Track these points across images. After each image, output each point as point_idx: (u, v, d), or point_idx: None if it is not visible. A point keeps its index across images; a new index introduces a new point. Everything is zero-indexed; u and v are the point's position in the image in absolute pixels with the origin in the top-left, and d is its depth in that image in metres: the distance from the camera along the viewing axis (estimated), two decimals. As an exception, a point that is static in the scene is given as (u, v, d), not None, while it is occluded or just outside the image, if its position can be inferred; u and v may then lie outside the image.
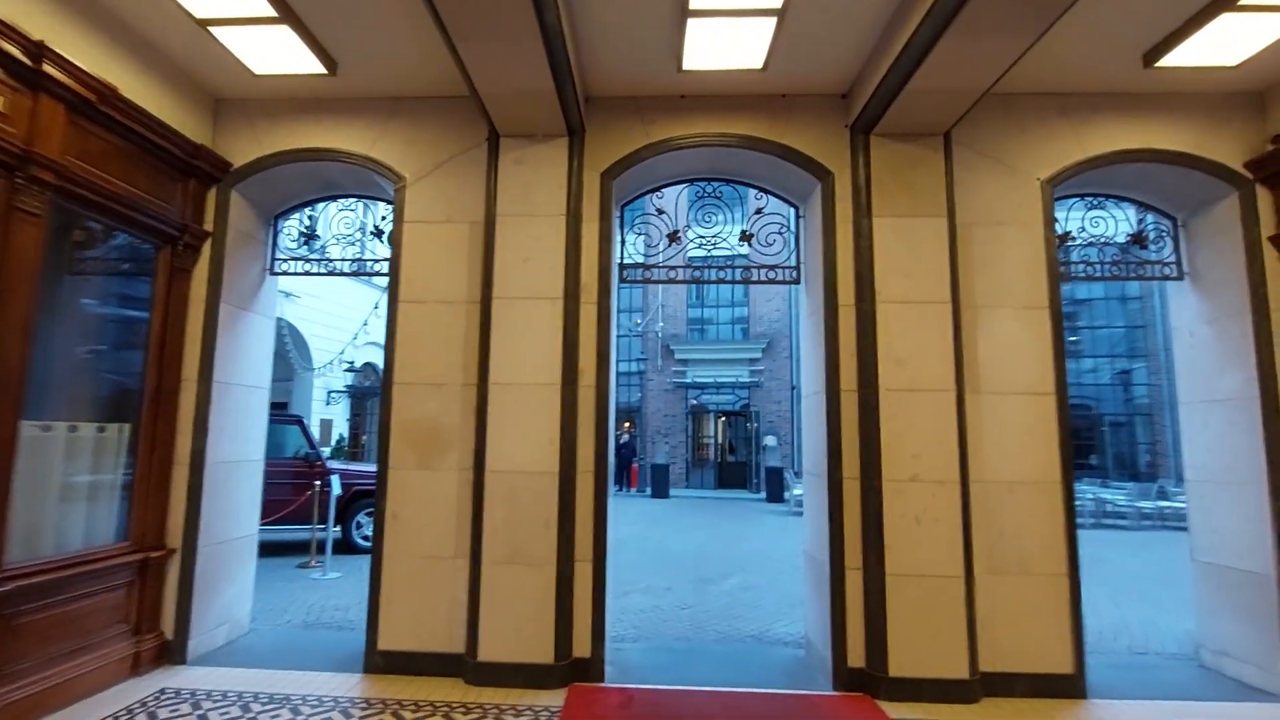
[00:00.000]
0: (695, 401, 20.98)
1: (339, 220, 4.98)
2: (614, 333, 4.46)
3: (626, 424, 22.06)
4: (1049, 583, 4.05)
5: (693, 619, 5.60)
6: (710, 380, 20.58)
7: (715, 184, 4.89)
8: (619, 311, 22.22)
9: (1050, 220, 4.37)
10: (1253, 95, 4.54)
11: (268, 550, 8.26)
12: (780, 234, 4.84)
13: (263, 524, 5.08)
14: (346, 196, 5.03)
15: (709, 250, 4.82)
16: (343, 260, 4.81)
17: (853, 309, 4.22)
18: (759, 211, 4.79)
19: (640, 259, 4.84)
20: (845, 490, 4.09)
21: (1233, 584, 4.44)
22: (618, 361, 22.17)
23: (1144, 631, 5.44)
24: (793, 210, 4.87)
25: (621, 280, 4.76)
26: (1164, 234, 4.93)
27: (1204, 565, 4.69)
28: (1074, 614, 4.02)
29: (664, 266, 4.77)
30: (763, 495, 18.49)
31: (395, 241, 4.40)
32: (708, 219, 4.91)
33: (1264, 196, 4.46)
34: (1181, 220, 4.92)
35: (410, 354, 4.28)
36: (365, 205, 5.19)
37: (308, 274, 4.92)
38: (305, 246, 5.02)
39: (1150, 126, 4.49)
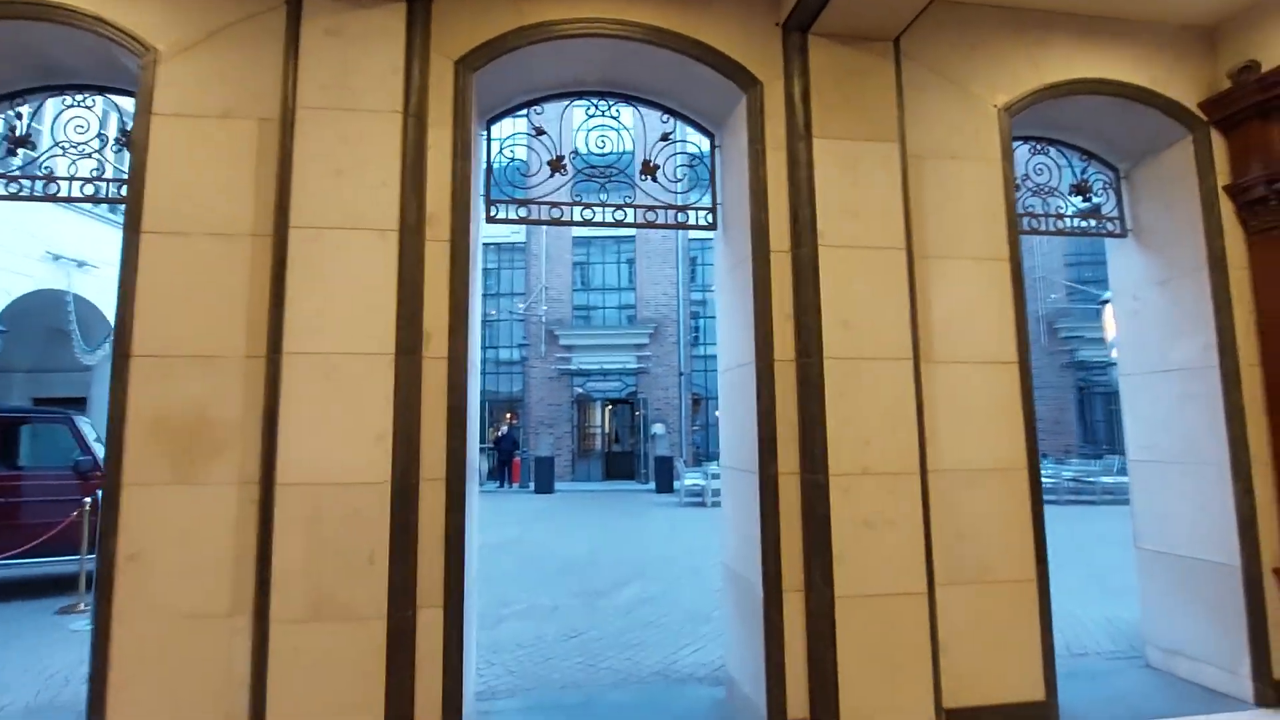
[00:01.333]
0: (581, 389, 19.90)
1: (69, 124, 3.39)
2: (477, 284, 3.27)
3: (509, 414, 20.59)
4: (1015, 592, 3.34)
5: (584, 651, 4.52)
6: (596, 367, 19.56)
7: (610, 101, 3.77)
8: (499, 294, 20.64)
9: (1009, 155, 3.67)
10: (1205, 30, 4.07)
11: (20, 591, 6.27)
12: (692, 168, 3.82)
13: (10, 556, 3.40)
14: (79, 89, 3.46)
15: (602, 186, 3.70)
16: (70, 180, 3.25)
17: (788, 256, 3.29)
18: (665, 138, 3.74)
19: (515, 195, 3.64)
20: (782, 489, 3.16)
21: (1188, 575, 3.97)
22: (499, 347, 20.73)
23: (1073, 626, 5.00)
24: (708, 139, 3.86)
25: (489, 216, 3.56)
26: (1107, 186, 4.42)
27: (1151, 554, 4.22)
28: (1044, 627, 3.34)
29: (544, 202, 3.61)
30: (652, 486, 17.78)
31: (138, 143, 2.94)
32: (601, 146, 3.78)
33: (1218, 142, 4.01)
34: (1124, 171, 4.43)
35: (161, 312, 2.85)
36: (111, 107, 3.63)
37: (13, 197, 3.32)
38: (11, 156, 3.40)
39: (1108, 56, 3.91)
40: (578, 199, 3.61)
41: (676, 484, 17.08)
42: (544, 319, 19.63)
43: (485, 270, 20.71)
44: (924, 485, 3.20)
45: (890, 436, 3.18)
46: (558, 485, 17.92)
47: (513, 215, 3.54)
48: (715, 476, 14.75)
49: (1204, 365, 3.93)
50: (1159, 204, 4.23)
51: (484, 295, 21.28)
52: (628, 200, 3.65)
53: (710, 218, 3.80)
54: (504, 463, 18.18)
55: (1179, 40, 4.04)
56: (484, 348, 20.63)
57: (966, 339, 3.45)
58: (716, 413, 21.31)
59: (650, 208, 3.67)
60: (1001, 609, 3.31)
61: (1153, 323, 4.25)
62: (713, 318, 20.86)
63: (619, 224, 3.66)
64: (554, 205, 3.58)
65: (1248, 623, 3.68)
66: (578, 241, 20.32)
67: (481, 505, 13.96)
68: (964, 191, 3.55)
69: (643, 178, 3.68)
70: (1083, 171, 4.40)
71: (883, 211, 3.31)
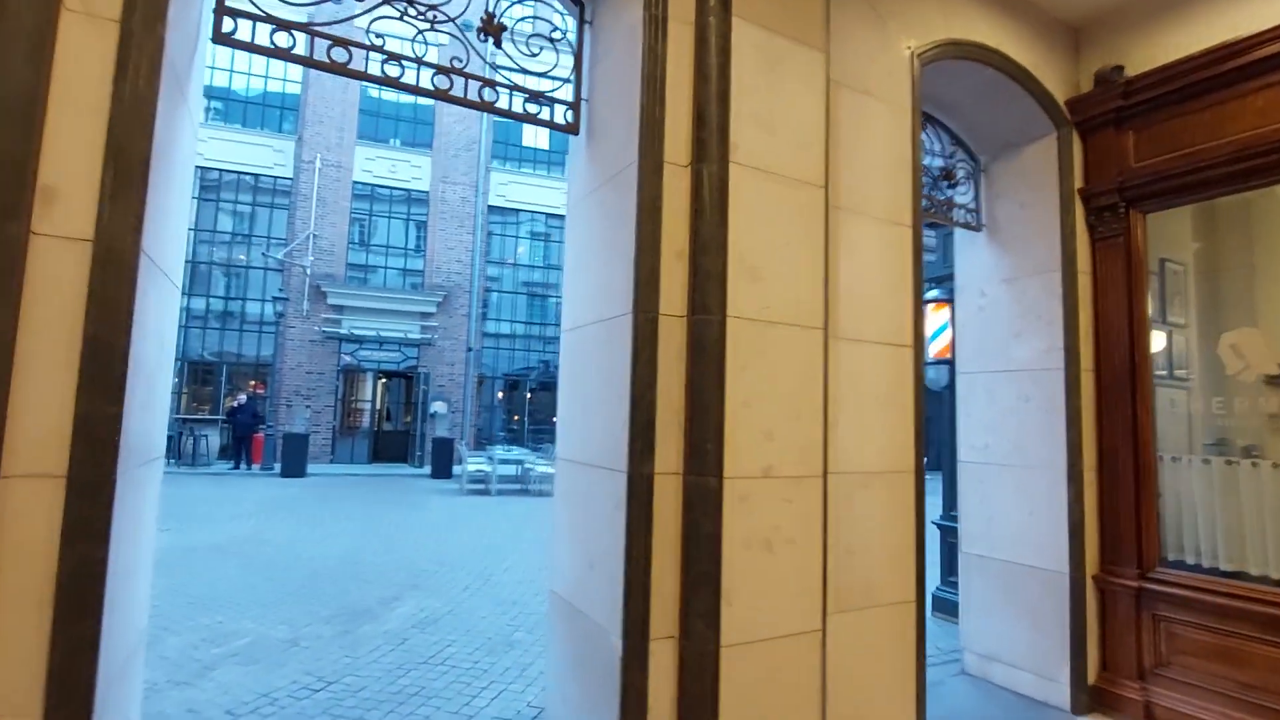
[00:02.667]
0: (350, 358, 17.33)
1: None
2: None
3: (253, 383, 17.26)
4: (896, 616, 2.83)
5: (336, 713, 3.21)
6: (372, 334, 17.16)
7: (438, -81, 2.53)
8: (251, 237, 17.21)
9: (918, 108, 3.15)
10: (1071, 28, 3.99)
11: None
12: (552, 44, 2.73)
13: None
14: None
15: (419, 33, 2.44)
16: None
17: (686, 172, 2.39)
18: (517, -7, 2.61)
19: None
20: (658, 496, 2.25)
21: (1010, 580, 3.87)
22: (246, 299, 17.17)
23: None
24: (575, 11, 2.80)
25: (216, 33, 2.12)
26: (969, 176, 4.22)
27: (975, 558, 4.09)
28: (919, 654, 2.87)
29: (320, 33, 2.27)
30: (428, 470, 16.02)
31: None
32: (418, -18, 2.52)
33: (1076, 144, 3.95)
34: (984, 163, 4.26)
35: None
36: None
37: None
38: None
39: (1004, 30, 3.61)
40: (378, 41, 2.31)
41: (457, 469, 15.55)
42: (309, 272, 16.70)
43: (236, 207, 17.10)
44: (824, 492, 2.52)
45: (794, 427, 2.45)
46: (312, 468, 15.33)
47: (262, 40, 2.15)
48: (503, 462, 13.58)
49: (1046, 367, 3.83)
50: (1014, 201, 4.10)
51: (230, 236, 17.64)
52: (458, 64, 2.45)
53: (570, 116, 2.76)
54: (240, 439, 15.08)
55: (1051, 32, 3.90)
56: (225, 298, 17.04)
57: (868, 313, 2.85)
58: (529, 394, 19.88)
59: (489, 83, 2.51)
60: (883, 638, 2.77)
61: (997, 321, 4.11)
62: (508, 293, 19.58)
63: (437, 95, 2.44)
64: (338, 42, 2.25)
65: (1070, 630, 3.61)
66: (360, 192, 17.64)
67: (206, 492, 11.17)
68: (875, 136, 2.95)
69: (482, 37, 2.51)
70: (950, 156, 4.15)
71: (803, 135, 2.56)
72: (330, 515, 9.43)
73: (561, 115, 2.74)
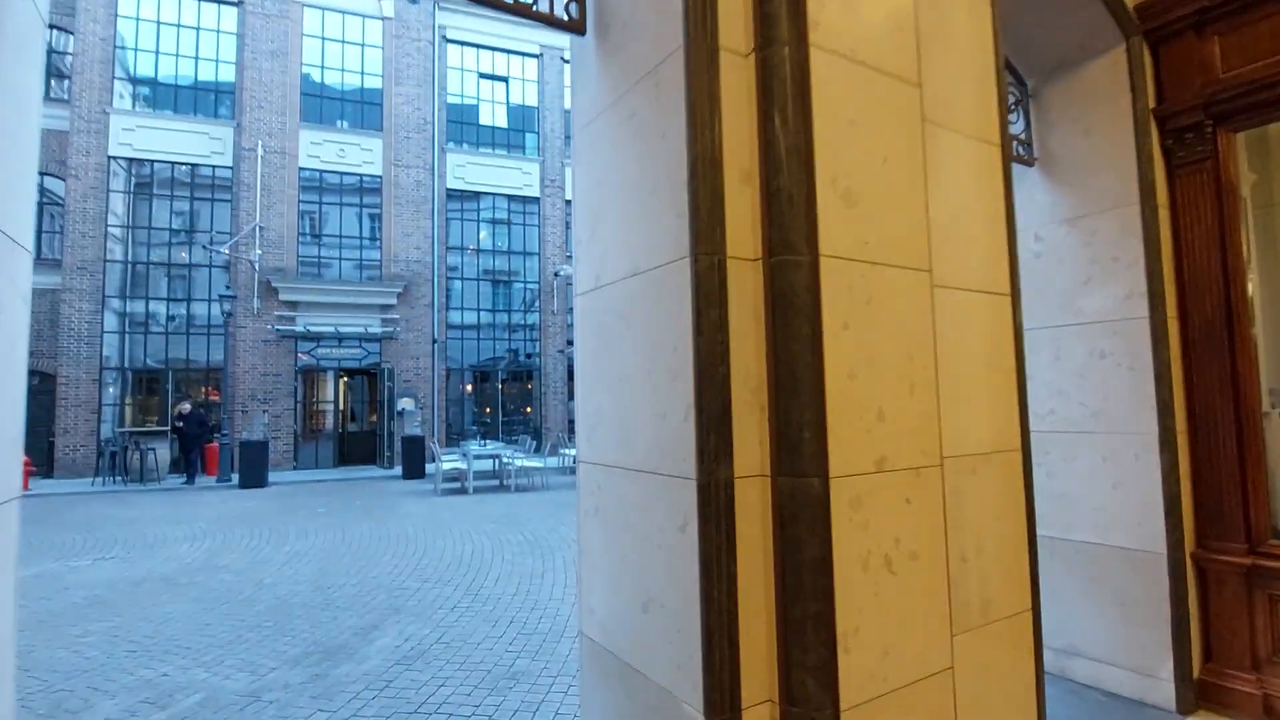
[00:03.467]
0: (308, 356, 16.30)
1: None
2: None
3: (206, 389, 16.12)
4: (1013, 630, 2.26)
5: (306, 795, 2.53)
6: (330, 330, 16.13)
7: None
8: (193, 232, 16.08)
9: (998, 8, 2.54)
10: (1138, -80, 3.42)
11: None
12: (542, -90, 2.03)
13: None
14: None
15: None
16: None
17: (748, 63, 1.75)
18: None
19: None
20: (740, 509, 1.63)
21: (1094, 565, 3.38)
22: (192, 300, 15.86)
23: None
24: None
25: None
26: (1016, 103, 3.66)
27: (1044, 541, 3.57)
28: (1038, 673, 2.32)
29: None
30: (398, 471, 15.17)
31: None
32: None
33: (1146, 58, 3.41)
34: (1033, 88, 3.70)
35: None
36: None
37: None
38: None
39: (1073, -89, 3.02)
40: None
41: (430, 468, 14.75)
42: (258, 267, 15.57)
43: (173, 202, 15.78)
44: (943, 485, 1.93)
45: (908, 403, 1.84)
46: (274, 476, 14.36)
47: None
48: (478, 457, 12.84)
49: (1127, 316, 3.32)
50: (1074, 129, 3.55)
51: (168, 232, 16.27)
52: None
53: (574, 10, 2.07)
54: (189, 451, 13.99)
55: (1117, -75, 3.33)
56: (168, 299, 15.82)
57: (962, 254, 2.24)
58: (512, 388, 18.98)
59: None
60: (1004, 659, 2.20)
61: (1059, 269, 3.58)
62: (471, 280, 18.64)
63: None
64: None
65: (1171, 619, 3.14)
66: (307, 179, 16.50)
67: (156, 511, 10.17)
68: (957, 28, 2.33)
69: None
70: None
71: (893, 12, 1.93)
72: (295, 530, 8.61)
73: (563, 8, 2.05)
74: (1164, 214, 3.38)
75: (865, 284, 1.77)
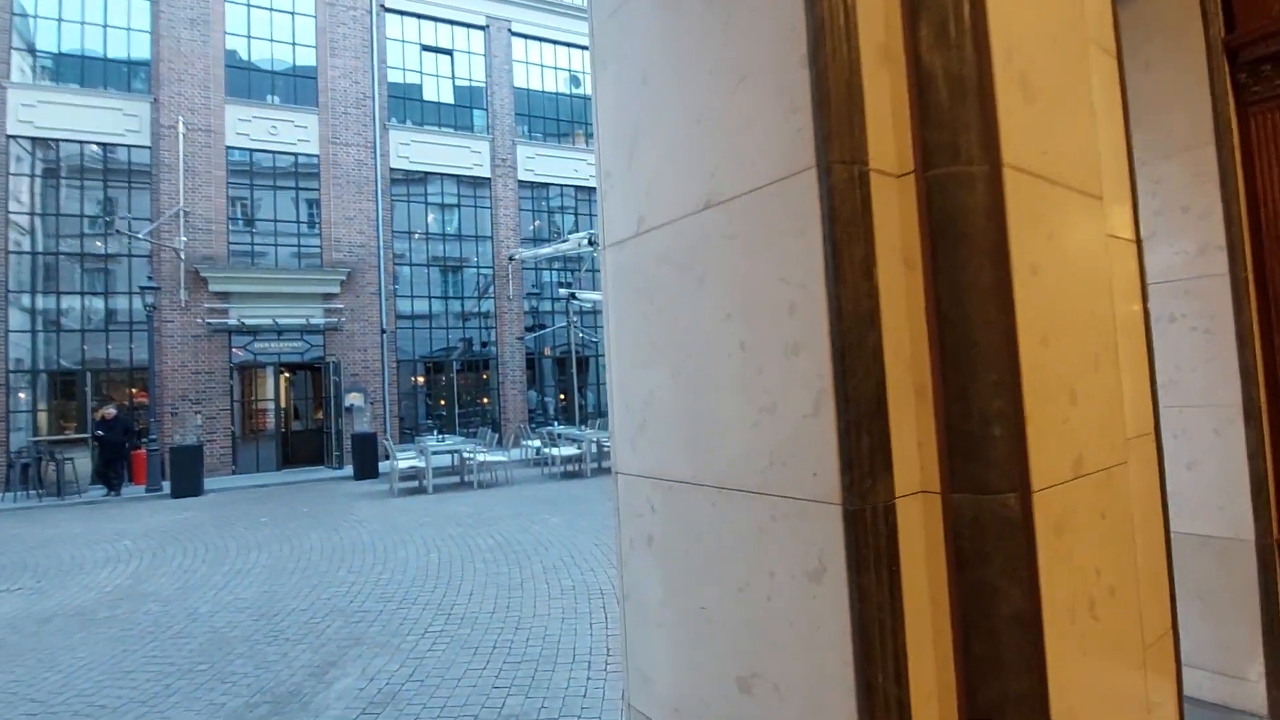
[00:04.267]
0: (244, 351, 15.12)
1: None
2: None
3: (133, 390, 14.78)
4: (1156, 660, 1.81)
5: None
6: (267, 322, 14.97)
7: None
8: (103, 218, 14.72)
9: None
10: None
11: None
12: None
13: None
14: None
15: None
16: None
17: (888, -115, 1.17)
18: None
19: None
20: (905, 543, 1.08)
21: (1177, 556, 2.98)
22: (111, 294, 14.34)
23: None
24: None
25: None
26: (1066, 35, 3.20)
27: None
28: (1179, 704, 1.88)
29: None
30: (349, 471, 14.23)
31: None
32: None
33: (1215, -23, 3.00)
34: (1082, 19, 3.25)
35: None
36: None
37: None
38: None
39: None
40: None
41: (384, 466, 13.88)
42: (183, 255, 14.29)
43: (84, 184, 14.26)
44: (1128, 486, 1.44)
45: (1094, 378, 1.33)
46: (211, 482, 13.25)
47: None
48: (437, 453, 12.06)
49: (1201, 274, 2.93)
50: (1134, 64, 3.12)
51: (80, 220, 14.73)
52: None
53: None
54: (111, 461, 12.74)
55: None
56: (83, 294, 14.39)
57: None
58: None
59: None
60: (1150, 691, 1.75)
61: (1120, 224, 3.16)
62: (420, 265, 17.64)
63: None
64: None
65: (1261, 613, 2.78)
66: (237, 159, 15.21)
67: (75, 529, 9.10)
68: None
69: None
70: None
71: None
72: (235, 544, 7.75)
73: None
74: (1234, 158, 2.99)
75: (1047, 210, 1.25)
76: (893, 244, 1.15)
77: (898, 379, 1.13)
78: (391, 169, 16.76)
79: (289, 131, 15.52)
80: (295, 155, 15.66)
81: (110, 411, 12.84)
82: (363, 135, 16.15)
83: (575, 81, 20.26)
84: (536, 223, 19.35)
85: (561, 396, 19.86)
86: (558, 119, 19.91)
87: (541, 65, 19.52)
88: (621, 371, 1.60)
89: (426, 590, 5.34)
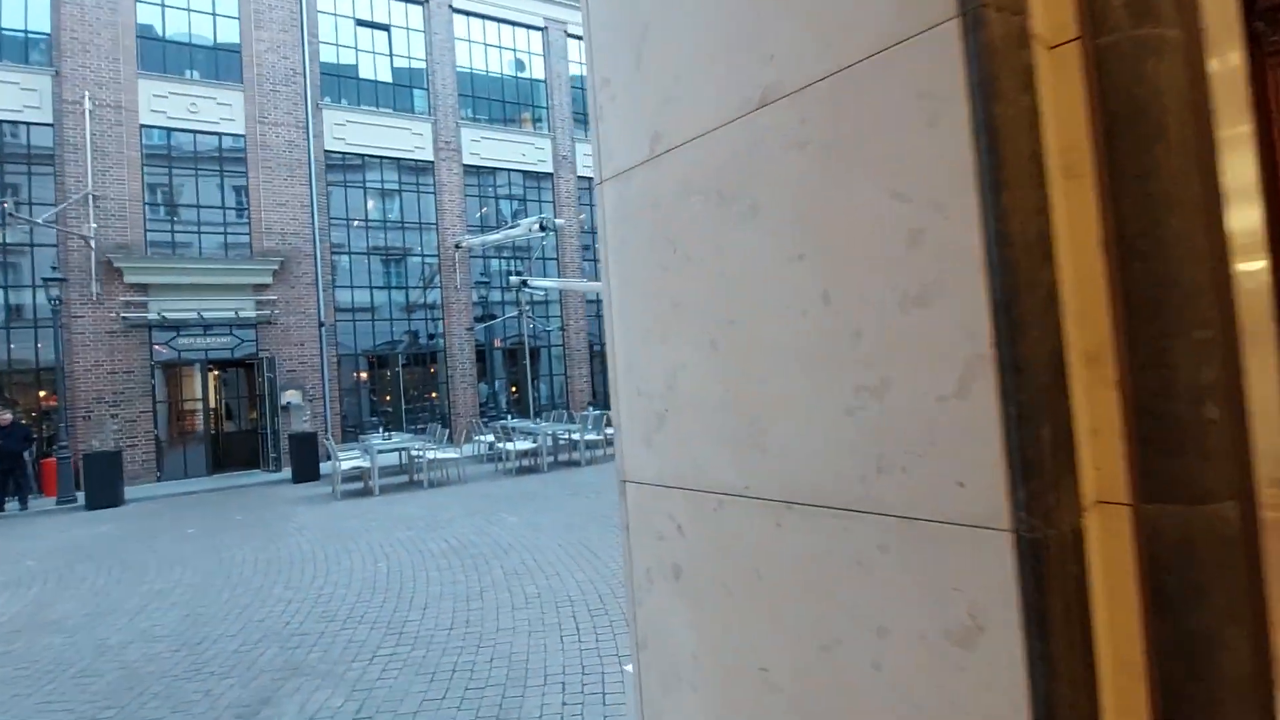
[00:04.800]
0: (167, 348, 14.03)
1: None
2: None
3: (42, 393, 13.50)
4: None
5: None
6: (192, 315, 13.91)
7: None
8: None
9: None
10: None
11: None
12: None
13: None
14: None
15: None
16: None
17: None
18: None
19: None
20: (1096, 576, 0.73)
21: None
22: (9, 287, 12.93)
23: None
24: None
25: None
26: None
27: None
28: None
29: None
30: (287, 474, 13.38)
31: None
32: None
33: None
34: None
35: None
36: None
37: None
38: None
39: None
40: None
41: (325, 468, 13.09)
42: (94, 244, 13.10)
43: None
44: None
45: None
46: (133, 491, 12.23)
47: None
48: (383, 451, 11.39)
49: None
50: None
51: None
52: None
53: None
54: (8, 472, 11.51)
55: None
56: (-26, 289, 13.03)
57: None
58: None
59: None
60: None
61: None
62: (360, 254, 16.71)
63: None
64: None
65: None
66: (154, 140, 14.03)
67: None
68: None
69: None
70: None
71: None
72: (157, 560, 7.02)
73: None
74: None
75: (1241, 98, 0.91)
76: (1046, 143, 0.79)
77: (1075, 341, 0.77)
78: (326, 151, 15.78)
79: (211, 110, 14.38)
80: (219, 135, 14.53)
81: (5, 416, 11.64)
82: (293, 115, 15.12)
83: (520, 65, 19.55)
84: (484, 209, 18.63)
85: (513, 389, 19.27)
86: (504, 101, 19.18)
87: (485, 44, 18.72)
88: (629, 347, 1.21)
89: (374, 606, 4.83)
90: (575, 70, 20.27)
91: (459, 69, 18.05)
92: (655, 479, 1.15)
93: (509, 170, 18.78)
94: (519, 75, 19.54)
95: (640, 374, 1.17)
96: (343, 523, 8.34)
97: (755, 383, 0.96)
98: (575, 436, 13.24)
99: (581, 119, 20.21)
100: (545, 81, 19.67)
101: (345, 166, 16.31)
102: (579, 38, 20.36)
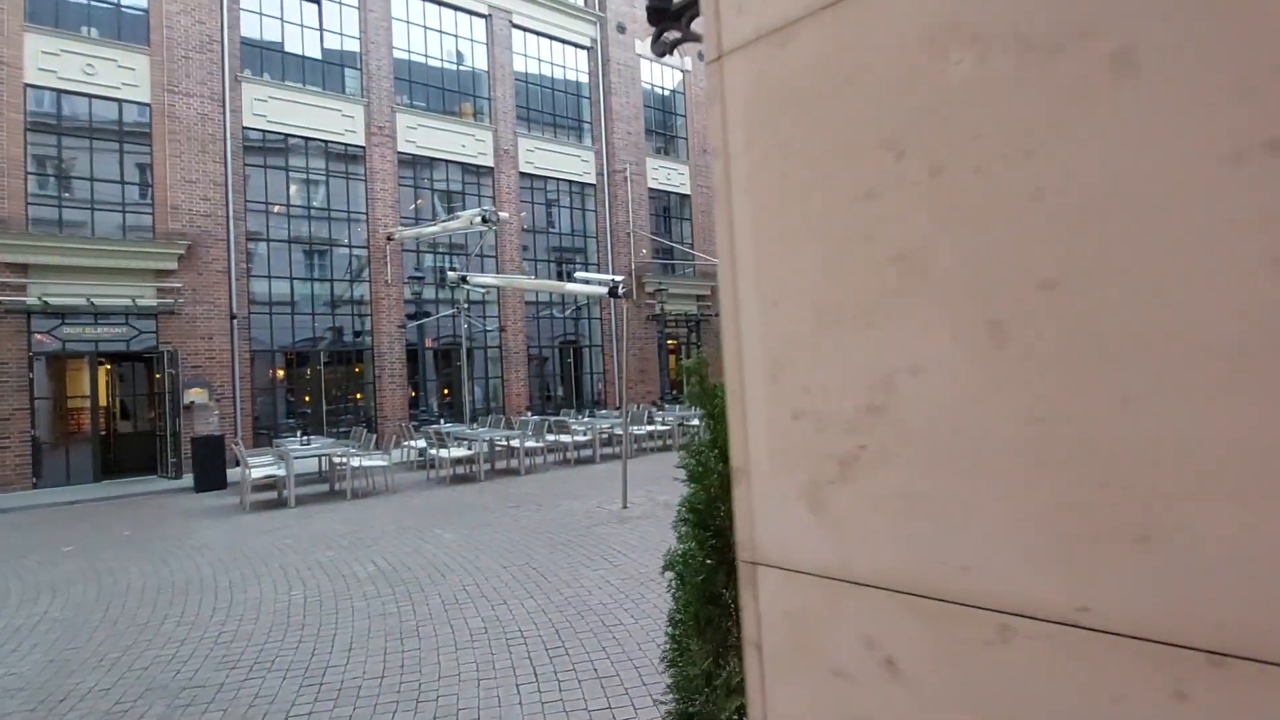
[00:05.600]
0: (50, 338, 12.44)
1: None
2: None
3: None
4: None
5: None
6: (81, 302, 12.39)
7: None
8: None
9: None
10: None
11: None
12: None
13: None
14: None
15: None
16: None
17: None
18: None
19: None
20: None
21: None
22: None
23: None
24: None
25: None
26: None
27: None
28: None
29: None
30: (188, 482, 12.07)
31: None
32: None
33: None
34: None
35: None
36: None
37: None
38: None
39: None
40: None
41: (233, 475, 11.88)
42: (-41, 218, 11.43)
43: None
44: None
45: None
46: (3, 500, 10.69)
47: None
48: (301, 457, 10.37)
49: None
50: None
51: None
52: None
53: None
54: None
55: None
56: None
57: None
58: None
59: None
60: None
61: None
62: (281, 243, 15.42)
63: None
64: None
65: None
66: (42, 111, 12.45)
67: None
68: None
69: None
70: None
71: None
72: (20, 587, 5.95)
73: None
74: None
75: None
76: None
77: None
78: (246, 128, 14.46)
79: (111, 73, 12.88)
80: (120, 102, 13.03)
81: None
82: (208, 86, 13.75)
83: (461, 55, 18.66)
84: (419, 201, 17.61)
85: (445, 392, 18.30)
86: (443, 89, 18.22)
87: (425, 27, 17.75)
88: (779, 335, 0.70)
89: (288, 646, 4.09)
90: (520, 65, 19.55)
91: (396, 51, 17.03)
92: (831, 568, 0.66)
93: (447, 161, 17.85)
94: (460, 64, 18.65)
95: (806, 382, 0.67)
96: (251, 540, 7.39)
97: (1127, 411, 0.49)
98: (514, 443, 12.53)
99: (525, 114, 19.50)
100: (489, 71, 18.85)
101: (267, 147, 15.02)
102: (524, 29, 19.66)
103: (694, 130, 23.65)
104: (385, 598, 5.00)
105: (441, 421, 15.84)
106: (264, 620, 4.61)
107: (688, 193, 23.40)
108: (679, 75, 23.67)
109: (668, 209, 23.11)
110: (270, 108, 14.84)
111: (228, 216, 13.96)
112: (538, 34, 20.05)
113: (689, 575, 1.69)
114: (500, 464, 13.10)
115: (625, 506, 8.30)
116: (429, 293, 17.54)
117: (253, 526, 8.15)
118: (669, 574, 1.78)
